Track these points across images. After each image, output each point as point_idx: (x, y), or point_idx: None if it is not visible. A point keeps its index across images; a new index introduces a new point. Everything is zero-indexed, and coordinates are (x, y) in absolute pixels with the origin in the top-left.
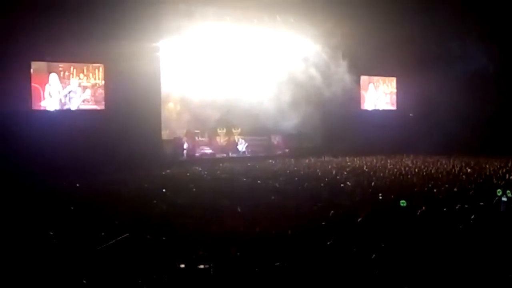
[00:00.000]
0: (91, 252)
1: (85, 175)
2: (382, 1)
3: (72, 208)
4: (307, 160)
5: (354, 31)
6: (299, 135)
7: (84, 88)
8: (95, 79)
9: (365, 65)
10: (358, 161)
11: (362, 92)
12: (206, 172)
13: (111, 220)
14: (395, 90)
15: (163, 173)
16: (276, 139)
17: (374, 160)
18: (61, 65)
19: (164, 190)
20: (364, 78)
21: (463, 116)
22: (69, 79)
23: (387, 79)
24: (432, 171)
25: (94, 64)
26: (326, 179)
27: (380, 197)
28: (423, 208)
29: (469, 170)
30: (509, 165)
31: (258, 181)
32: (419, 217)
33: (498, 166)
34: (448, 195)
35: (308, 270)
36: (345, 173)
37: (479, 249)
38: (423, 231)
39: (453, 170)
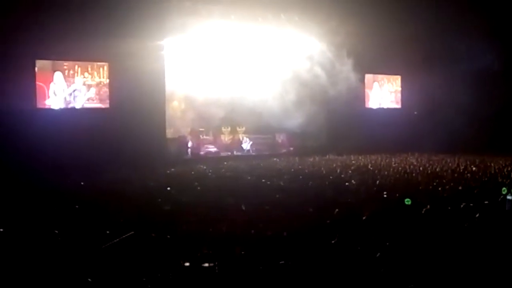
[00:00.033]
0: (96, 250)
1: (89, 173)
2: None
3: (77, 206)
4: (311, 159)
5: (358, 30)
6: (303, 134)
7: (89, 86)
8: (99, 77)
9: (370, 63)
10: (362, 160)
11: (367, 90)
12: (210, 171)
13: (116, 219)
14: (399, 89)
15: (168, 171)
16: (280, 138)
17: (379, 159)
18: (65, 63)
19: (168, 189)
20: (368, 77)
21: (468, 114)
22: (73, 77)
23: (391, 77)
24: (437, 170)
25: (98, 63)
26: (331, 178)
27: (385, 196)
28: (428, 206)
29: (474, 168)
30: None
31: (263, 180)
32: (424, 215)
33: (503, 164)
34: (453, 194)
35: (312, 268)
36: (350, 171)
37: (484, 248)
38: (428, 229)
39: (458, 169)
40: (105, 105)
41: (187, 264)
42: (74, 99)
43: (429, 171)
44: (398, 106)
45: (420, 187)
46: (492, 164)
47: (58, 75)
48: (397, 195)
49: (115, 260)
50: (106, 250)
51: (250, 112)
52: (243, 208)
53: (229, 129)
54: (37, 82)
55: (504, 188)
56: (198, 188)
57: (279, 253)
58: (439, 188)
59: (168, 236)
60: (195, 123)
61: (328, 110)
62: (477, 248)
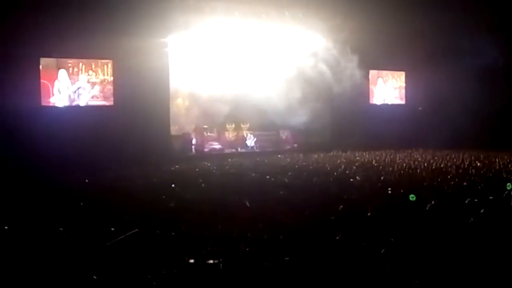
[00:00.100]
0: (100, 248)
1: (94, 171)
2: None
3: (81, 204)
4: (316, 155)
5: (362, 26)
6: (307, 130)
7: (93, 84)
8: (103, 75)
9: (374, 59)
10: (367, 156)
11: (371, 86)
12: (215, 167)
13: (120, 216)
14: (404, 85)
15: (172, 168)
16: (284, 134)
17: (383, 155)
18: (70, 61)
19: (173, 186)
20: (373, 73)
21: (472, 110)
22: (78, 75)
23: (396, 73)
24: (442, 165)
25: (102, 60)
26: (335, 174)
27: (389, 192)
28: (433, 202)
29: (478, 164)
30: None
31: (267, 176)
32: (429, 211)
33: (508, 160)
34: (457, 189)
35: (317, 265)
36: (354, 167)
37: (489, 243)
38: (433, 225)
39: (462, 164)
40: (109, 102)
41: (191, 261)
42: (78, 96)
43: (434, 167)
44: (403, 102)
45: (425, 183)
46: (497, 160)
47: (62, 73)
48: (402, 191)
49: (120, 257)
50: (110, 247)
51: (254, 109)
52: (248, 205)
53: (233, 126)
54: (41, 80)
55: (508, 184)
56: (203, 185)
57: (284, 249)
58: (444, 184)
59: (173, 233)
60: (199, 120)
61: (332, 107)
62: (482, 243)
